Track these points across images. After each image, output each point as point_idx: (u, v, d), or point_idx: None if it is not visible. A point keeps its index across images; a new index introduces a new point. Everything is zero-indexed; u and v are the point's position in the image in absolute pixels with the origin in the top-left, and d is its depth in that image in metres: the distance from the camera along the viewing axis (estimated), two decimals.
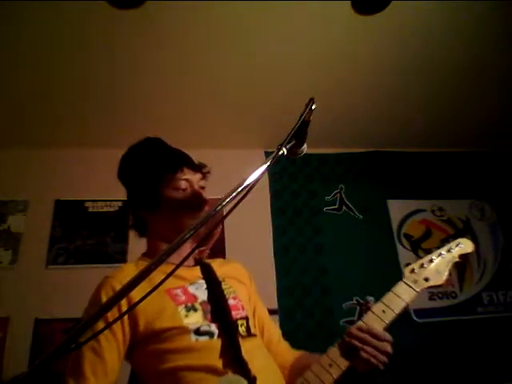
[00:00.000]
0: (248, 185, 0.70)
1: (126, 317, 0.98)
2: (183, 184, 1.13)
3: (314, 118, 0.91)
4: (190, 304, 1.02)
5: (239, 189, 0.69)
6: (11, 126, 2.35)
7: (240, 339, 0.99)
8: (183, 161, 1.18)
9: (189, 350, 0.95)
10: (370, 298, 1.03)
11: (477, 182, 2.77)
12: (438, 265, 1.07)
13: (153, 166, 1.16)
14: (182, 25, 1.87)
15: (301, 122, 0.87)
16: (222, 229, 2.30)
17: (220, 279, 1.12)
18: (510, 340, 2.27)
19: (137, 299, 0.69)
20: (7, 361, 1.96)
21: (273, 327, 1.22)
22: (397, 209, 2.64)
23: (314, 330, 2.23)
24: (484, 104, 2.50)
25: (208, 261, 1.21)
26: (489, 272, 2.53)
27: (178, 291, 1.04)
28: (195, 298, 1.05)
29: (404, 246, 2.55)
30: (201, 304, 1.03)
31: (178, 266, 0.63)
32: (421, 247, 2.56)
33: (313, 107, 0.87)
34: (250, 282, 1.24)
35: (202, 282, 1.10)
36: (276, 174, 2.63)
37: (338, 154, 2.74)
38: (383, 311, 1.01)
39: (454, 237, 2.62)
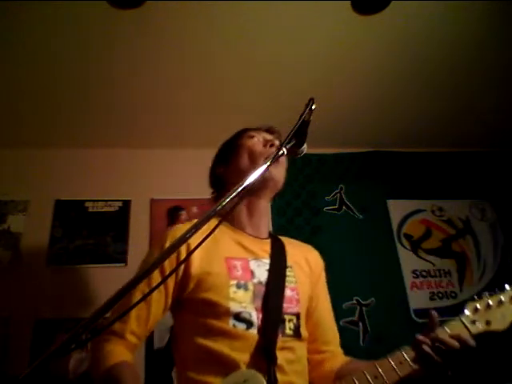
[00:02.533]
0: (248, 185, 0.71)
1: (181, 269, 1.01)
2: (255, 134, 1.22)
3: (314, 118, 0.91)
4: (243, 281, 1.01)
5: (239, 189, 0.69)
6: (11, 126, 2.34)
7: (281, 336, 0.97)
8: (260, 127, 1.27)
9: (223, 334, 0.95)
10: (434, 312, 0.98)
11: (477, 182, 2.77)
12: (506, 308, 0.96)
13: (236, 133, 1.29)
14: (182, 25, 1.87)
15: (301, 122, 0.87)
16: None
17: (288, 263, 1.11)
18: (510, 340, 2.27)
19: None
20: (7, 361, 1.95)
21: (334, 329, 1.19)
22: (397, 209, 2.64)
23: None
24: (484, 104, 2.50)
25: (283, 238, 1.21)
26: (489, 272, 2.53)
27: (238, 263, 1.04)
28: (252, 275, 1.03)
29: (404, 246, 2.55)
30: (254, 285, 1.02)
31: (187, 257, 0.63)
32: (421, 247, 2.56)
33: (313, 107, 0.87)
34: (320, 274, 1.22)
35: (267, 260, 1.08)
36: None
37: (337, 154, 2.74)
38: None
39: (454, 237, 2.62)
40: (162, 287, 1.00)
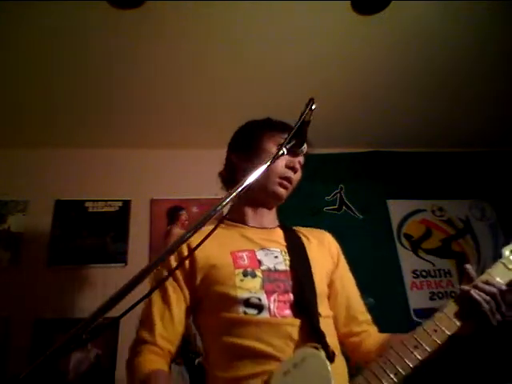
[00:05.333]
0: (248, 185, 0.71)
1: (186, 263, 1.02)
2: (280, 142, 1.15)
3: (314, 118, 0.91)
4: (250, 269, 1.01)
5: (239, 189, 0.69)
6: (11, 126, 2.35)
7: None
8: (285, 131, 1.21)
9: (237, 324, 0.95)
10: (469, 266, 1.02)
11: (477, 182, 2.77)
12: None
13: (264, 122, 1.24)
14: (182, 25, 1.87)
15: (301, 122, 0.87)
16: None
17: (306, 247, 1.11)
18: (510, 340, 2.27)
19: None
20: (7, 361, 1.95)
21: (363, 308, 1.19)
22: (397, 209, 2.63)
23: None
24: (484, 104, 2.50)
25: (295, 227, 1.23)
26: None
27: (244, 254, 1.04)
28: (259, 264, 1.03)
29: (404, 246, 2.55)
30: (263, 271, 1.02)
31: (189, 255, 0.65)
32: (421, 247, 2.56)
33: (313, 107, 0.87)
34: (339, 255, 1.23)
35: (275, 249, 1.08)
36: None
37: (337, 154, 2.74)
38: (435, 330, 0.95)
39: (454, 237, 2.62)
40: (175, 285, 1.02)
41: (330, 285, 1.15)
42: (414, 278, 2.45)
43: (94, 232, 2.32)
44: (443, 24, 1.99)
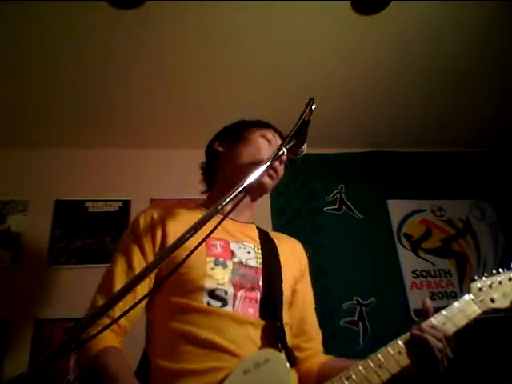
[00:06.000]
0: (248, 185, 0.71)
1: (158, 240, 1.00)
2: (270, 137, 1.18)
3: (314, 118, 0.91)
4: (221, 259, 0.98)
5: (239, 188, 0.69)
6: (11, 126, 2.34)
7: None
8: (277, 129, 1.24)
9: (198, 313, 0.92)
10: (429, 302, 1.00)
11: (477, 182, 2.77)
12: (506, 288, 1.04)
13: (254, 120, 1.26)
14: (182, 25, 1.87)
15: (301, 122, 0.87)
16: None
17: (278, 250, 1.09)
18: (510, 340, 2.27)
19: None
20: (7, 361, 1.95)
21: (317, 326, 1.16)
22: (397, 209, 2.64)
23: None
24: (484, 104, 2.50)
25: (268, 231, 1.20)
26: (489, 272, 2.53)
27: (218, 243, 1.01)
28: (232, 255, 1.01)
29: (404, 246, 2.55)
30: (234, 263, 0.99)
31: (191, 252, 0.65)
32: (421, 247, 2.56)
33: (313, 107, 0.87)
34: (306, 268, 1.20)
35: (249, 244, 1.07)
36: None
37: (337, 154, 2.74)
38: (443, 323, 0.96)
39: (454, 237, 2.62)
40: (141, 259, 0.98)
41: (293, 293, 1.12)
42: (414, 278, 2.45)
43: (93, 232, 2.32)
44: (443, 24, 1.99)
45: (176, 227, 1.00)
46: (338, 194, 2.65)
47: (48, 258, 2.21)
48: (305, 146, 1.01)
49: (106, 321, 0.89)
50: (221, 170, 1.21)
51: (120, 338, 0.94)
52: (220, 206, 0.66)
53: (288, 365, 0.84)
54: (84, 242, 2.29)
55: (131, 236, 1.04)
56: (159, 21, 1.84)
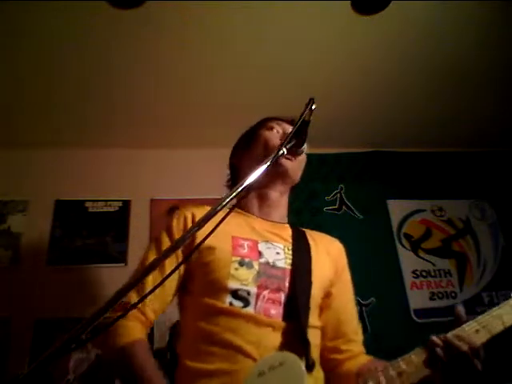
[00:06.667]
0: (248, 185, 0.71)
1: (188, 244, 1.00)
2: (276, 126, 1.19)
3: (314, 118, 0.91)
4: (247, 259, 0.98)
5: (239, 188, 0.69)
6: (11, 126, 2.34)
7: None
8: (282, 118, 1.25)
9: (220, 314, 0.92)
10: (460, 308, 0.91)
11: (477, 182, 2.77)
12: None
13: (259, 121, 1.27)
14: (182, 25, 1.87)
15: (301, 122, 0.87)
16: None
17: (311, 252, 1.07)
18: (510, 340, 2.27)
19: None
20: (7, 361, 1.95)
21: (356, 327, 1.13)
22: (397, 209, 2.63)
23: None
24: (484, 104, 2.50)
25: (305, 230, 1.19)
26: (489, 272, 2.53)
27: (245, 243, 1.02)
28: (259, 255, 1.00)
29: (404, 246, 2.55)
30: (260, 264, 0.98)
31: (194, 250, 0.65)
32: (421, 247, 2.56)
33: (313, 107, 0.87)
34: (344, 268, 1.19)
35: (279, 244, 1.06)
36: None
37: (337, 154, 2.74)
38: (476, 331, 0.89)
39: (454, 237, 2.62)
40: (173, 257, 1.00)
41: (327, 296, 1.10)
42: (414, 278, 2.45)
43: (93, 232, 2.32)
44: (443, 24, 1.99)
45: (205, 227, 1.02)
46: (338, 194, 2.65)
47: (48, 258, 2.21)
48: (305, 145, 1.01)
49: (136, 313, 0.95)
50: (242, 174, 1.22)
51: (146, 329, 0.98)
52: (223, 203, 0.65)
53: (304, 369, 0.81)
54: (84, 241, 2.29)
55: (164, 234, 1.07)
56: (159, 21, 1.84)
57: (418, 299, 2.38)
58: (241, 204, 1.16)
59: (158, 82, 2.15)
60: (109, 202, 2.40)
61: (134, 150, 2.54)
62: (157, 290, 0.96)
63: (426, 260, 2.52)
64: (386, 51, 2.10)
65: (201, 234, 1.01)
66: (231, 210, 0.69)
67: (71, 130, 2.41)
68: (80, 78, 2.08)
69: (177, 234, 1.04)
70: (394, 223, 2.59)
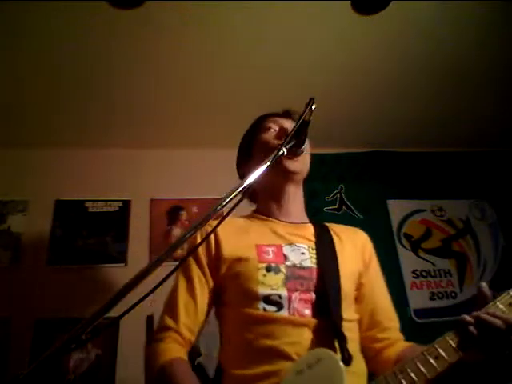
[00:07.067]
0: (248, 185, 0.71)
1: (212, 251, 1.04)
2: (271, 125, 1.20)
3: (314, 118, 0.91)
4: (274, 264, 0.99)
5: (239, 188, 0.69)
6: (11, 126, 2.34)
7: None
8: (276, 113, 1.26)
9: (256, 320, 0.94)
10: (484, 285, 0.91)
11: (477, 182, 2.77)
12: None
13: (254, 123, 1.28)
14: (182, 25, 1.87)
15: (301, 122, 0.87)
16: None
17: (336, 246, 1.08)
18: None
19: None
20: (7, 361, 1.95)
21: (391, 314, 1.13)
22: (397, 209, 2.63)
23: None
24: (484, 104, 2.50)
25: (327, 223, 1.21)
26: (489, 272, 2.53)
27: (270, 249, 1.02)
28: (285, 259, 1.01)
29: (404, 246, 2.55)
30: (287, 267, 1.00)
31: (194, 249, 0.65)
32: (421, 247, 2.56)
33: (313, 107, 0.87)
34: (371, 257, 1.20)
35: (303, 244, 1.07)
36: None
37: (337, 154, 2.74)
38: (510, 304, 0.85)
39: (454, 237, 2.62)
40: (200, 274, 1.03)
41: (359, 287, 1.12)
42: (414, 278, 2.45)
43: (94, 232, 2.32)
44: (443, 24, 1.99)
45: (228, 235, 1.05)
46: (338, 194, 2.65)
47: (48, 257, 2.21)
48: (305, 145, 1.01)
49: (172, 335, 0.98)
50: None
51: (185, 349, 0.99)
52: (220, 206, 0.65)
53: (341, 363, 0.82)
54: (84, 241, 2.29)
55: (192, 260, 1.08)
56: (159, 21, 1.84)
57: (418, 299, 2.38)
58: (259, 209, 1.19)
59: (158, 81, 2.15)
60: (109, 202, 2.40)
61: (134, 150, 2.54)
62: (189, 306, 0.99)
63: (426, 260, 2.52)
64: (385, 51, 2.10)
65: (225, 237, 1.03)
66: (220, 221, 0.71)
67: (71, 129, 2.41)
68: (80, 77, 2.08)
69: (200, 247, 1.05)
70: (394, 223, 2.59)
